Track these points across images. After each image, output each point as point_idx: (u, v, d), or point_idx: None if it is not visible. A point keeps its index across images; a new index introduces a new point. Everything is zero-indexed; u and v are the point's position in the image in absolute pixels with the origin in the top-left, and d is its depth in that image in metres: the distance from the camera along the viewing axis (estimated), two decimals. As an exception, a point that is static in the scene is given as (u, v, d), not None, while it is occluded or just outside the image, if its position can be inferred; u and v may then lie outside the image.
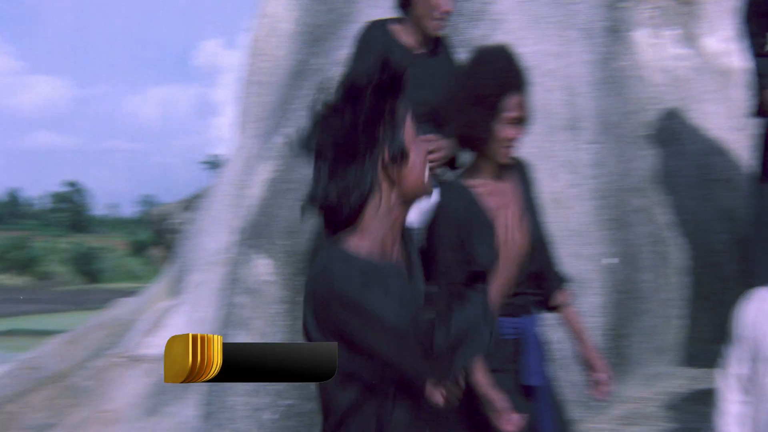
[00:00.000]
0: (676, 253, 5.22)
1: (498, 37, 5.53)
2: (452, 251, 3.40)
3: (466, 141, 3.46)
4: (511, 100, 3.43)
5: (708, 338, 5.17)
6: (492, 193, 3.50)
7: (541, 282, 3.63)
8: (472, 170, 3.53)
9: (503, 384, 3.43)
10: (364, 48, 4.42)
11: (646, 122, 5.42)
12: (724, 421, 3.45)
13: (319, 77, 5.92)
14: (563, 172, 5.00)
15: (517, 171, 3.62)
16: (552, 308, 3.68)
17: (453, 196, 3.47)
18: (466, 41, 5.57)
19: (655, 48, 5.68)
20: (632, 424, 4.50)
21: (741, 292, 5.33)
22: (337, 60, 5.63)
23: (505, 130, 3.44)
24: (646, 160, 5.33)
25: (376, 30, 4.38)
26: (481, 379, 3.28)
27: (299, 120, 5.82)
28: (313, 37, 6.12)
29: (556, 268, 3.66)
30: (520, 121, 3.44)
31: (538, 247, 3.60)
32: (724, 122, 5.65)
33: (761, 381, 3.38)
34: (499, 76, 3.47)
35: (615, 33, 5.60)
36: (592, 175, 5.16)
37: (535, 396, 3.42)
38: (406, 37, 4.34)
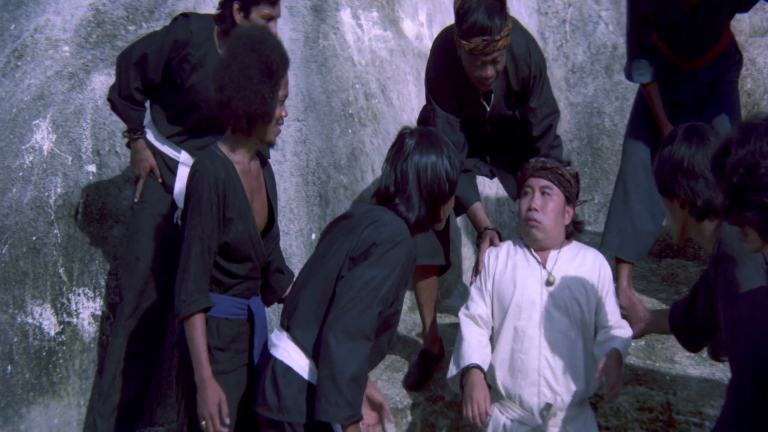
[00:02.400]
0: (377, 228, 5.39)
1: (204, 9, 5.46)
2: (209, 213, 3.40)
3: (249, 116, 3.43)
4: (285, 79, 3.49)
5: (404, 309, 5.40)
6: (245, 174, 3.50)
7: (272, 274, 3.69)
8: (231, 146, 3.51)
9: (227, 363, 3.46)
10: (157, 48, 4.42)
11: (349, 101, 5.53)
12: (468, 350, 3.75)
13: (16, 44, 5.61)
14: (268, 149, 5.02)
15: (260, 158, 3.65)
16: (281, 300, 3.78)
17: (216, 164, 3.47)
18: (171, 13, 5.46)
19: (357, 29, 5.81)
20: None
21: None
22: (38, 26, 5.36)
23: (279, 109, 3.48)
24: (349, 138, 5.45)
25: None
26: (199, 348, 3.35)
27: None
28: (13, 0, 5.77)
29: (283, 260, 3.78)
30: (282, 102, 3.50)
31: (275, 238, 3.65)
32: (422, 103, 5.88)
33: (504, 323, 3.76)
34: (281, 53, 3.49)
35: (320, 12, 5.69)
36: (296, 152, 5.23)
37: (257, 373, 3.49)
38: None
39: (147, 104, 4.55)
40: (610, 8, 6.61)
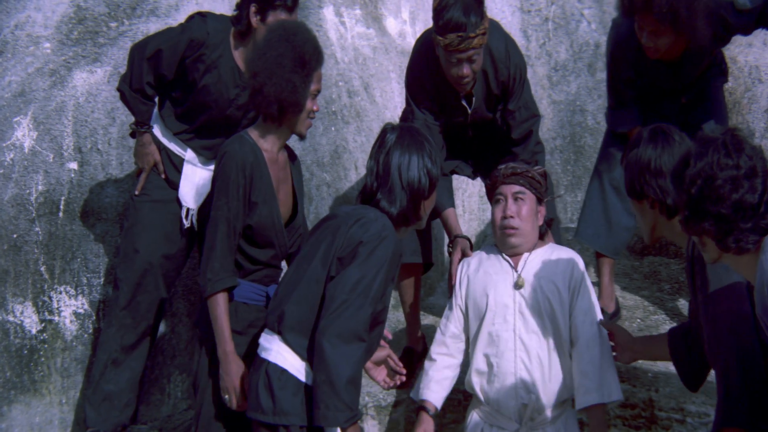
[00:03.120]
0: (360, 225, 5.39)
1: (186, 7, 5.45)
2: (236, 194, 3.49)
3: (280, 103, 3.51)
4: (317, 73, 3.58)
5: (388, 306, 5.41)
6: (273, 162, 3.55)
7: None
8: (261, 133, 3.60)
9: (243, 347, 3.51)
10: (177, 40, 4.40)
11: (332, 99, 5.53)
12: (431, 368, 3.82)
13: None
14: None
15: (288, 152, 3.77)
16: None
17: (245, 148, 3.55)
18: (153, 10, 5.44)
19: (340, 26, 5.81)
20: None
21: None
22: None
23: (311, 102, 3.58)
24: (333, 135, 5.45)
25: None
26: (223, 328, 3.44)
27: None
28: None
29: None
30: (315, 97, 3.60)
31: (298, 229, 3.74)
32: (404, 100, 5.88)
33: (480, 329, 3.76)
34: (315, 46, 3.59)
35: (303, 10, 5.68)
36: (279, 149, 5.23)
37: None
38: None
39: (156, 99, 4.52)
40: (592, 6, 6.62)
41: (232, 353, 3.44)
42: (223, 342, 3.44)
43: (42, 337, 4.84)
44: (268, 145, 3.59)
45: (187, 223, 4.47)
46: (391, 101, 5.83)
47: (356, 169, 5.47)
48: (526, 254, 3.78)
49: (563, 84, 6.44)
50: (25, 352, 4.84)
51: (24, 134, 5.07)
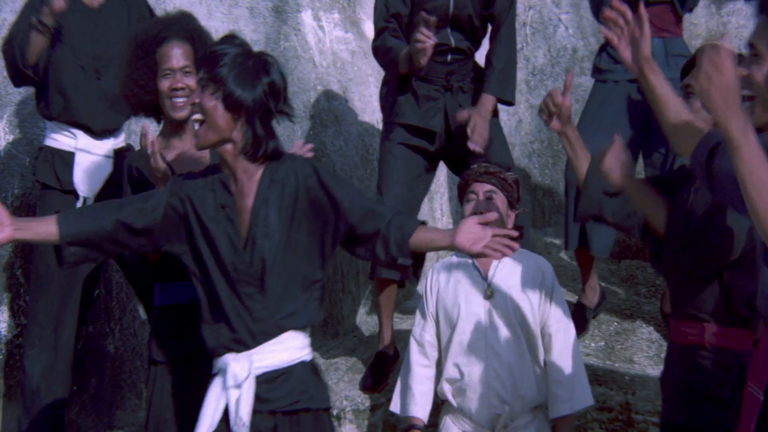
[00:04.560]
0: (338, 229, 5.39)
1: (166, 9, 5.43)
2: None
3: (134, 97, 3.51)
4: (163, 51, 3.44)
5: (365, 311, 5.42)
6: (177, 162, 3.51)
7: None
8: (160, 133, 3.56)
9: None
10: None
11: (310, 103, 5.53)
12: (414, 381, 3.77)
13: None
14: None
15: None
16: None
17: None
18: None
19: (319, 31, 5.81)
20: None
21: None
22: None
23: (166, 81, 3.44)
24: (311, 139, 5.45)
25: None
26: None
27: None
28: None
29: None
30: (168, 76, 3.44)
31: None
32: (383, 105, 5.90)
33: (452, 339, 3.71)
34: (152, 26, 3.54)
35: (281, 14, 5.68)
36: (257, 153, 5.22)
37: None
38: None
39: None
40: (569, 11, 6.66)
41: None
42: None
43: (18, 342, 4.81)
44: (163, 142, 3.49)
45: None
46: (369, 105, 5.83)
47: (335, 173, 5.47)
48: (495, 261, 3.71)
49: (541, 88, 6.47)
50: (0, 356, 4.81)
51: (0, 137, 5.04)
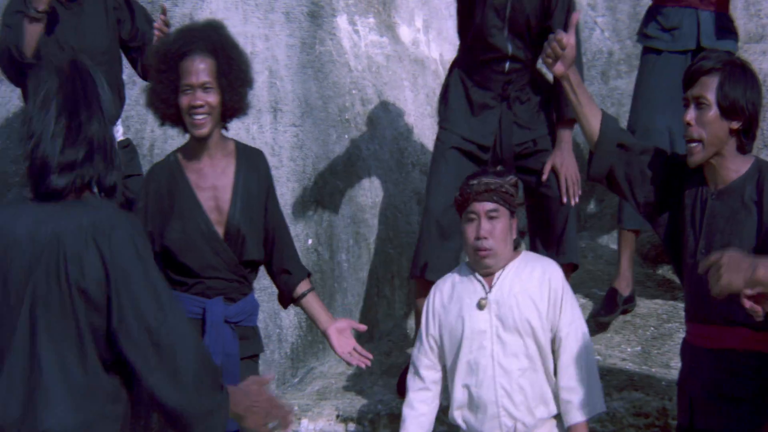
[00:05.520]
0: (373, 233, 5.41)
1: (201, 16, 5.48)
2: (142, 220, 3.42)
3: (154, 107, 3.51)
4: (184, 66, 3.40)
5: (400, 315, 5.42)
6: (196, 172, 3.50)
7: (277, 276, 3.66)
8: (184, 145, 3.55)
9: None
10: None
11: (345, 107, 5.55)
12: (406, 405, 3.70)
13: None
14: (266, 154, 5.04)
15: (246, 152, 3.62)
16: (293, 300, 3.71)
17: (158, 167, 3.56)
18: (169, 19, 5.46)
19: (354, 35, 5.83)
20: (326, 398, 4.64)
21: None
22: None
23: (186, 98, 3.41)
24: (346, 143, 5.47)
25: None
26: None
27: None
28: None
29: (295, 259, 3.69)
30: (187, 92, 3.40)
31: (242, 236, 3.56)
32: (418, 109, 5.91)
33: (458, 359, 3.57)
34: (177, 40, 3.48)
35: (317, 18, 5.70)
36: (292, 157, 5.24)
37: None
38: None
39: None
40: (605, 14, 6.62)
41: None
42: None
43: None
44: (186, 154, 3.50)
45: None
46: (404, 109, 5.84)
47: (369, 176, 5.48)
48: (498, 271, 3.57)
49: (577, 92, 6.43)
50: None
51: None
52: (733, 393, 3.09)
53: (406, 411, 3.70)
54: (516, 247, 3.65)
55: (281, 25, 5.47)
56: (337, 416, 4.47)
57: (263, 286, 4.60)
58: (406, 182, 5.65)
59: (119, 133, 4.46)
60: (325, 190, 5.30)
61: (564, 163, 4.33)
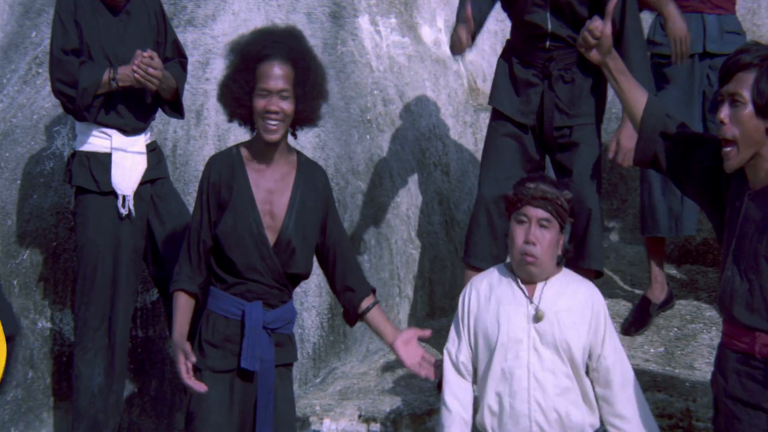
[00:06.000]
0: (394, 234, 5.41)
1: (224, 17, 5.50)
2: (200, 204, 3.51)
3: (226, 107, 3.53)
4: (262, 71, 3.40)
5: (422, 315, 5.42)
6: (258, 172, 3.50)
7: (341, 294, 3.66)
8: (249, 142, 3.55)
9: (217, 360, 3.46)
10: (59, 10, 4.32)
11: (367, 107, 5.55)
12: (448, 400, 3.58)
13: (37, 51, 5.64)
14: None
15: (308, 166, 3.60)
16: (358, 316, 3.69)
17: (222, 155, 3.54)
18: (191, 20, 5.49)
19: (376, 35, 5.83)
20: (348, 399, 4.64)
21: (453, 272, 5.64)
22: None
23: (262, 102, 3.40)
24: (368, 144, 5.47)
25: None
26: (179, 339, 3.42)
27: (13, 97, 5.52)
28: (34, 8, 5.82)
29: (358, 276, 3.66)
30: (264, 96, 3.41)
31: (292, 248, 3.53)
32: (439, 109, 5.91)
33: (491, 364, 3.50)
34: (253, 43, 3.47)
35: (339, 19, 5.71)
36: (314, 157, 5.25)
37: (254, 378, 3.46)
38: None
39: None
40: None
41: (178, 341, 3.39)
42: (173, 332, 3.44)
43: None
44: (250, 152, 3.50)
45: (124, 211, 4.36)
46: (425, 109, 5.83)
47: (391, 177, 5.48)
48: (541, 283, 3.50)
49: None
50: (64, 359, 4.89)
51: (63, 143, 5.13)
52: (749, 400, 3.01)
53: (449, 400, 3.57)
54: (558, 264, 3.56)
55: (303, 25, 5.47)
56: (359, 416, 4.48)
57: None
58: (427, 182, 5.64)
59: (147, 137, 4.48)
60: (347, 191, 5.30)
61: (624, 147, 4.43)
